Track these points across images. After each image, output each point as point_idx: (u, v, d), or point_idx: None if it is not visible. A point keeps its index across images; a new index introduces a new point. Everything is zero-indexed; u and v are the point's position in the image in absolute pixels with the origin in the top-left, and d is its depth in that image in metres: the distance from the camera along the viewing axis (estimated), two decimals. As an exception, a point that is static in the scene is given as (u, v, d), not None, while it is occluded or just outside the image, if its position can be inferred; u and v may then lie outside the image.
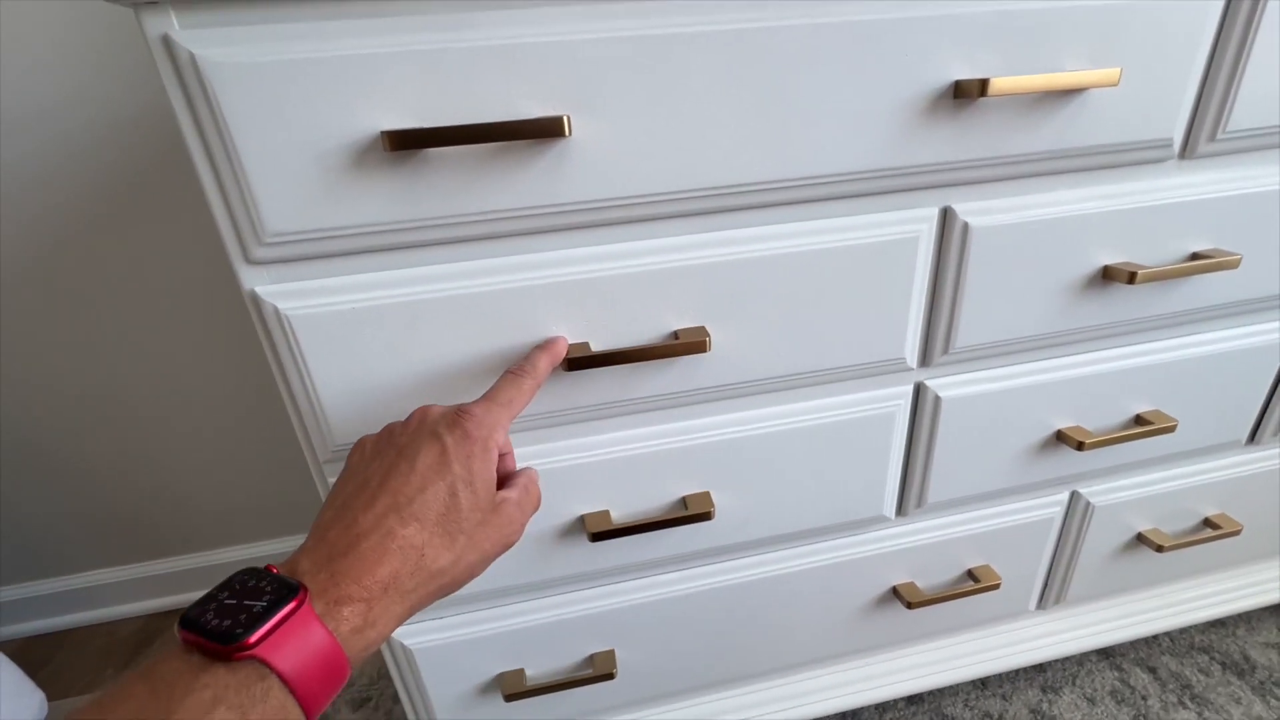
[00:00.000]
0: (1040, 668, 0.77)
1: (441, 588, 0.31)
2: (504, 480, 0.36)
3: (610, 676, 0.54)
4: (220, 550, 1.04)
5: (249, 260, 0.37)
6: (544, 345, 0.40)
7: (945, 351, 0.48)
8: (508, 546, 0.33)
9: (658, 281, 0.41)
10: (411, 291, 0.38)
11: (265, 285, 0.37)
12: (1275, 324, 0.55)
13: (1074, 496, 0.60)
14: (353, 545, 0.28)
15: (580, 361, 0.40)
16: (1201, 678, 0.75)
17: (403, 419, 0.35)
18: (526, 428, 0.44)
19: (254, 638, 0.24)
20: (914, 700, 0.75)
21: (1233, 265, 0.47)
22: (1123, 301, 0.49)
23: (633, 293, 0.41)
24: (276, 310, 0.37)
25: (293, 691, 0.24)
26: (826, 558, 0.56)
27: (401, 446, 0.32)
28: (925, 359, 0.49)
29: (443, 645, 0.51)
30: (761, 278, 0.42)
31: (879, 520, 0.56)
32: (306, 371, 0.39)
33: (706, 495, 0.49)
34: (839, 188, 0.41)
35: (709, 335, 0.42)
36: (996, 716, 0.73)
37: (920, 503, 0.55)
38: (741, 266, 0.42)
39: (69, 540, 0.98)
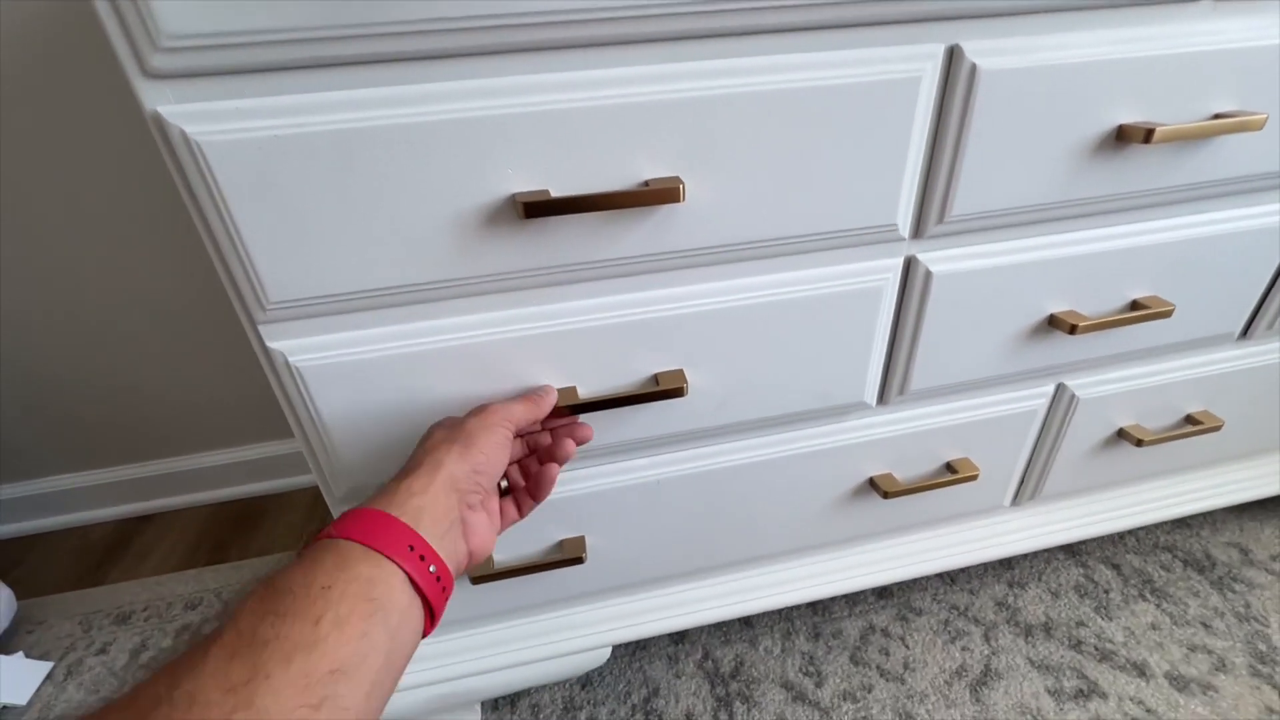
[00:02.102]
0: (1007, 564, 0.79)
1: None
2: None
3: (579, 560, 0.53)
4: (194, 455, 1.02)
5: (146, 73, 0.31)
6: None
7: (940, 220, 0.45)
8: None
9: (626, 117, 0.36)
10: (342, 118, 0.33)
11: (169, 105, 0.32)
12: (1287, 204, 0.52)
13: (1059, 389, 0.59)
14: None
15: (539, 207, 0.36)
16: (1163, 573, 0.77)
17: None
18: (480, 292, 0.41)
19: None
20: (883, 593, 0.77)
21: (1257, 126, 0.43)
22: (1134, 169, 0.46)
23: (598, 130, 0.36)
24: (184, 134, 0.32)
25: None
26: (804, 446, 0.55)
27: None
28: (919, 228, 0.46)
29: (405, 527, 0.50)
30: (743, 118, 0.38)
31: (860, 407, 0.54)
32: (226, 209, 0.34)
33: (680, 373, 0.46)
34: (832, 12, 0.36)
35: (684, 184, 0.37)
36: (963, 609, 0.74)
37: (903, 390, 0.53)
38: (720, 104, 0.37)
39: (38, 444, 0.95)
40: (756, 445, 0.54)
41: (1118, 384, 0.60)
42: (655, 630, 0.62)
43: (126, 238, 0.81)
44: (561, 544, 0.54)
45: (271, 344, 0.40)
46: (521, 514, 0.43)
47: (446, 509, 0.34)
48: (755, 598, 0.64)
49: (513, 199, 0.37)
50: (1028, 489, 0.66)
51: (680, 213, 0.40)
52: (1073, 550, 0.80)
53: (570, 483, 0.52)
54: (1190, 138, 0.43)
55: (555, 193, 0.37)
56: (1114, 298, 0.53)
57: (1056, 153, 0.43)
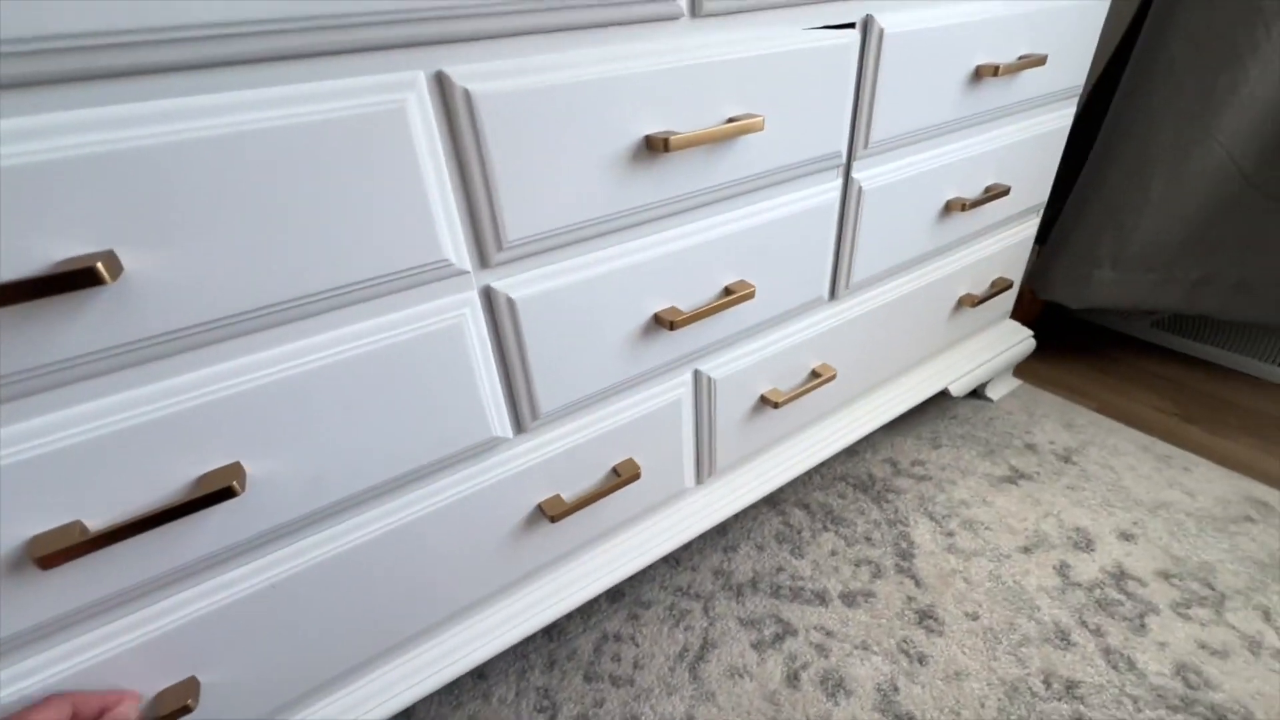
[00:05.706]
0: (722, 530, 0.85)
1: None
2: None
3: (187, 710, 0.43)
4: None
5: None
6: None
7: (501, 248, 0.43)
8: None
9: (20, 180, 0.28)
10: None
11: None
12: (823, 186, 0.61)
13: (696, 374, 0.63)
14: None
15: None
16: (840, 502, 0.89)
17: None
18: None
19: None
20: (615, 596, 0.77)
21: (759, 128, 0.49)
22: (676, 173, 0.49)
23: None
24: None
25: None
26: (449, 495, 0.51)
27: None
28: (482, 259, 0.44)
29: None
30: (203, 168, 0.31)
31: (498, 442, 0.52)
32: None
33: (234, 467, 0.39)
34: (296, 39, 0.32)
35: (112, 260, 0.30)
36: (686, 588, 0.78)
37: (535, 415, 0.52)
38: (168, 154, 0.30)
39: None
40: (390, 511, 0.49)
41: (744, 359, 0.66)
42: (345, 736, 0.54)
43: None
44: (161, 696, 0.44)
45: None
46: None
47: None
48: (464, 654, 0.60)
49: None
50: (704, 468, 0.71)
51: (131, 291, 0.32)
52: (771, 500, 0.89)
53: (155, 620, 0.42)
54: (705, 142, 0.47)
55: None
56: (708, 287, 0.57)
57: (595, 166, 0.44)
